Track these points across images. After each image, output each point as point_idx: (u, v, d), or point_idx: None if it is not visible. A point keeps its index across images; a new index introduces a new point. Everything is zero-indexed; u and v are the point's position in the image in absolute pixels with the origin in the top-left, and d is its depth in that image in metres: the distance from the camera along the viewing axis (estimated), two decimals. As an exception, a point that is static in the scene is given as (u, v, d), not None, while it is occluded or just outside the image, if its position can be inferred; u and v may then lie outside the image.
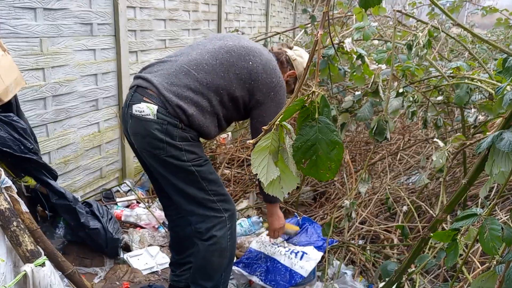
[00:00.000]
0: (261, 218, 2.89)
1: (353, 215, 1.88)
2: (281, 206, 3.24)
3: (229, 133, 3.57)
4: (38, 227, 1.72)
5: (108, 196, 3.25)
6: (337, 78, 2.92)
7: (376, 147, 3.13)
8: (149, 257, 2.52)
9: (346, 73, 2.90)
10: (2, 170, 1.68)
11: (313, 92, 0.82)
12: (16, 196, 1.69)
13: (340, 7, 3.17)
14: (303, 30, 3.33)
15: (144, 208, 3.04)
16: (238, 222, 2.90)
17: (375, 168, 3.27)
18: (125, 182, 3.37)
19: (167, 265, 2.46)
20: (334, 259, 2.25)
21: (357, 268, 2.26)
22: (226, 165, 3.56)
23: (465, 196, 1.88)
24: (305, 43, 4.13)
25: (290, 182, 0.81)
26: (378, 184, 2.86)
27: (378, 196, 2.62)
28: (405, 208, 2.33)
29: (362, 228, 2.46)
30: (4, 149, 1.89)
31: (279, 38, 7.62)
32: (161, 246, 2.68)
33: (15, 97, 2.13)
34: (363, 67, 2.65)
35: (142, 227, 2.87)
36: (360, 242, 2.53)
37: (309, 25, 2.98)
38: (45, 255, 1.61)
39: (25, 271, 1.49)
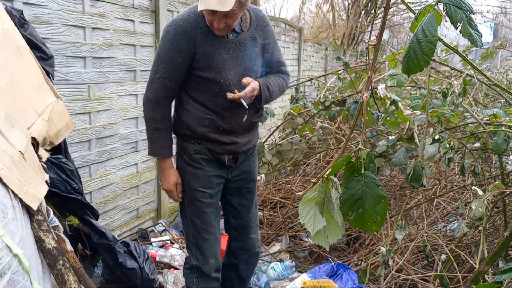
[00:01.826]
0: (293, 262, 2.87)
1: (390, 262, 1.85)
2: (315, 250, 3.21)
3: (263, 176, 3.62)
4: (81, 266, 1.79)
5: (143, 236, 3.32)
6: (370, 123, 2.95)
7: (412, 193, 3.09)
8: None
9: (380, 117, 2.93)
10: (51, 210, 1.78)
11: (359, 149, 0.86)
12: (62, 235, 1.78)
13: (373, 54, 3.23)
14: (336, 76, 3.42)
15: (178, 248, 3.08)
16: (271, 266, 2.89)
17: (410, 214, 3.21)
18: (160, 222, 3.43)
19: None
20: (370, 308, 2.20)
21: (394, 318, 2.19)
22: (258, 206, 3.58)
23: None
24: (336, 87, 4.21)
25: (335, 232, 0.84)
26: (414, 230, 2.80)
27: (414, 243, 2.56)
28: (443, 256, 2.26)
29: (399, 277, 2.39)
30: (53, 189, 2.00)
31: (312, 83, 7.77)
32: None
33: (64, 140, 2.27)
34: (397, 113, 2.68)
35: (176, 268, 2.89)
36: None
37: (342, 71, 3.07)
38: (87, 294, 1.66)
39: (68, 310, 1.54)
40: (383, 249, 1.87)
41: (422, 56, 0.80)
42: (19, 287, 1.38)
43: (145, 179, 3.43)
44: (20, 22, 1.96)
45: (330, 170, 0.86)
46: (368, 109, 2.88)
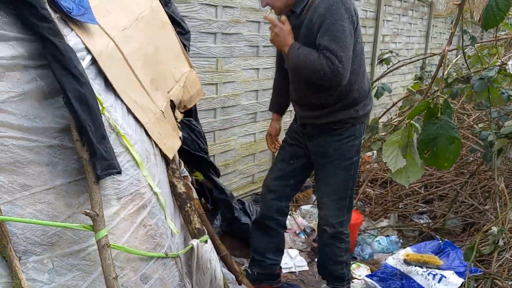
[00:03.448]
0: (400, 239, 2.87)
1: (500, 242, 1.77)
2: (424, 230, 3.13)
3: (374, 152, 3.61)
4: (204, 212, 2.08)
5: (257, 200, 3.60)
6: (498, 102, 2.76)
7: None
8: (289, 258, 2.73)
9: (510, 97, 2.72)
10: (182, 162, 2.09)
11: (438, 96, 0.92)
12: (190, 184, 2.08)
13: (506, 28, 2.97)
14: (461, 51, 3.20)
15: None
16: (376, 239, 2.93)
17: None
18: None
19: (305, 268, 2.64)
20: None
21: (504, 305, 2.08)
22: (369, 183, 3.60)
23: None
24: (464, 65, 3.92)
25: (415, 172, 0.92)
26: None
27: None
28: None
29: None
30: (184, 146, 2.33)
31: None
32: (300, 251, 2.87)
33: (195, 105, 2.59)
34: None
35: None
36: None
37: (469, 46, 2.87)
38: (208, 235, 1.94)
39: (192, 244, 1.83)
40: (494, 229, 1.80)
41: (498, 12, 0.85)
42: (156, 219, 1.69)
43: (261, 148, 3.69)
44: (165, 1, 2.28)
45: (410, 113, 0.93)
46: (496, 86, 2.69)
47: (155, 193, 1.70)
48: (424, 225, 3.20)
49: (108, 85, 1.66)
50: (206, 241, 1.86)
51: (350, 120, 2.10)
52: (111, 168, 1.42)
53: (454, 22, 1.24)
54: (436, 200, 3.53)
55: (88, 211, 1.31)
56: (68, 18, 1.53)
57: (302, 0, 1.97)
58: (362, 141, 2.29)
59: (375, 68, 5.32)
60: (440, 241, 2.33)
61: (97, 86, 1.58)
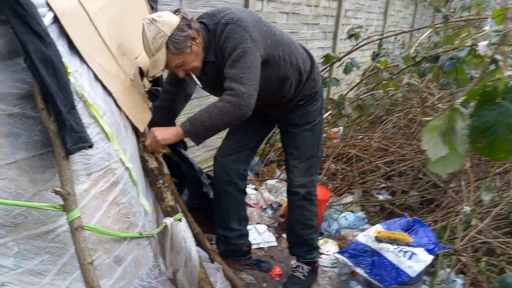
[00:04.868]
0: (366, 215, 2.91)
1: (473, 222, 1.82)
2: (387, 207, 3.21)
3: (340, 128, 3.61)
4: (175, 189, 1.96)
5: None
6: (463, 82, 2.81)
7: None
8: (257, 234, 2.69)
9: (473, 78, 2.78)
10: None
11: (499, 78, 0.86)
12: (161, 159, 1.95)
13: (477, 8, 3.01)
14: (431, 30, 3.23)
15: (253, 189, 3.23)
16: (342, 215, 2.95)
17: (496, 180, 3.06)
18: (237, 163, 3.60)
19: (273, 243, 2.62)
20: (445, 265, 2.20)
21: (467, 279, 2.18)
22: (332, 160, 3.61)
23: None
24: (429, 43, 3.99)
25: (455, 161, 0.85)
26: (498, 198, 2.69)
27: (498, 210, 2.47)
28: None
29: (475, 239, 2.35)
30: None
31: (396, 38, 7.38)
32: (268, 226, 2.84)
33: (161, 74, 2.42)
34: (495, 73, 2.52)
35: (251, 206, 3.06)
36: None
37: (440, 25, 2.89)
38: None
39: (165, 223, 1.72)
40: (467, 208, 1.84)
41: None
42: (129, 197, 1.56)
43: (226, 121, 3.56)
44: (132, -44, 2.06)
45: (465, 97, 0.86)
46: (464, 67, 2.73)
47: (127, 169, 1.56)
48: (386, 201, 3.28)
49: (71, 47, 1.47)
50: (180, 219, 1.75)
51: (312, 90, 2.13)
52: (82, 141, 1.27)
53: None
54: (396, 176, 3.61)
55: (58, 189, 1.16)
56: (27, -32, 1.32)
57: (208, 46, 1.85)
58: (324, 101, 2.31)
59: (338, 42, 5.30)
60: (409, 218, 2.37)
61: (60, 48, 1.39)
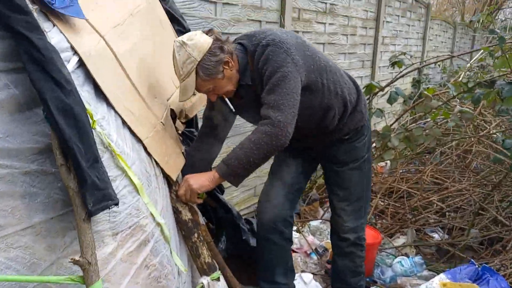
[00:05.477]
0: (423, 259, 2.61)
1: None
2: (448, 249, 2.88)
3: (388, 162, 3.35)
4: (212, 240, 1.78)
5: (260, 215, 3.31)
6: (527, 108, 2.52)
7: None
8: (302, 284, 2.44)
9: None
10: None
11: None
12: (196, 208, 1.78)
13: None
14: (482, 52, 2.98)
15: (295, 231, 3.00)
16: (397, 260, 2.66)
17: None
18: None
19: (321, 295, 2.36)
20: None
21: None
22: (381, 196, 3.33)
23: None
24: (475, 67, 3.71)
25: None
26: None
27: None
28: None
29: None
30: (185, 162, 2.02)
31: (437, 65, 7.06)
32: (314, 274, 2.59)
33: (196, 114, 2.29)
34: None
35: (294, 251, 2.82)
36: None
37: (495, 47, 2.64)
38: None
39: (202, 283, 1.53)
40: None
41: None
42: (160, 257, 1.39)
43: (264, 158, 3.39)
44: (161, -5, 1.99)
45: None
46: (526, 91, 2.45)
47: (158, 224, 1.40)
48: (444, 242, 2.95)
49: (98, 92, 1.36)
50: (218, 278, 1.56)
51: (359, 124, 1.94)
52: (106, 199, 1.12)
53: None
54: (451, 213, 3.28)
55: (76, 258, 1.00)
56: (50, 11, 1.23)
57: (245, 69, 1.70)
58: (371, 136, 2.15)
59: (377, 71, 5.09)
60: (477, 266, 2.07)
61: (85, 94, 1.28)
